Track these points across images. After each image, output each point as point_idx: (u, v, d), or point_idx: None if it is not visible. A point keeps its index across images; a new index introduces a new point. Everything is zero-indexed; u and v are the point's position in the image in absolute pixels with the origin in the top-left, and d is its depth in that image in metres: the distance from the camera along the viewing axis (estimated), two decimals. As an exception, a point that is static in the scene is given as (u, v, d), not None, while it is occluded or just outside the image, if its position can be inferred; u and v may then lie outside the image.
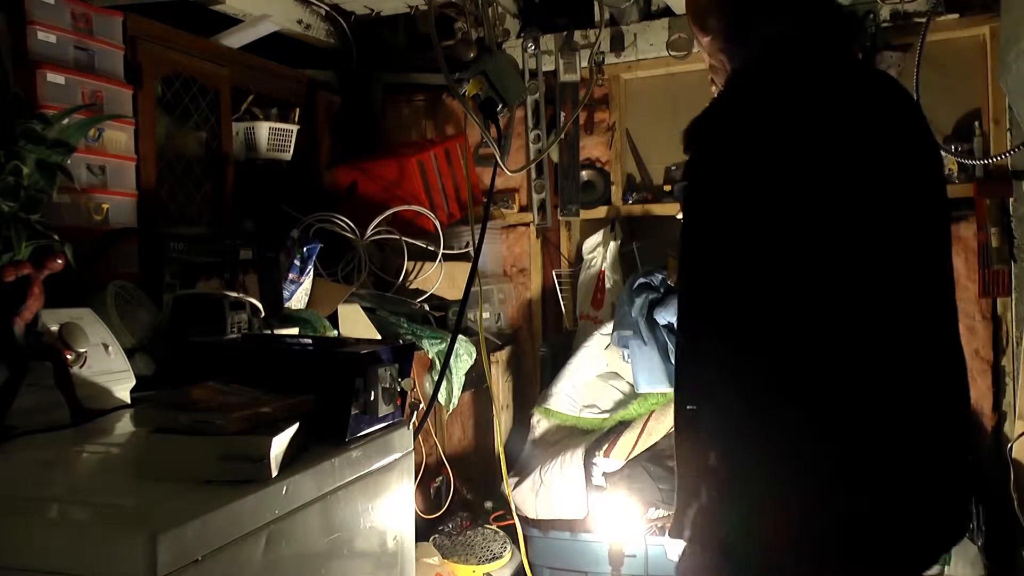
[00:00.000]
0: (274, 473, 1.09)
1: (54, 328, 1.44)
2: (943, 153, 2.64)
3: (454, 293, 2.82)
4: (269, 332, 1.87)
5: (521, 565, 2.74)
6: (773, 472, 1.08)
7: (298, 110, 2.90)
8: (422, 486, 2.65)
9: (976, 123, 2.66)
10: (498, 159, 2.32)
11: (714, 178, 1.09)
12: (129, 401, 1.53)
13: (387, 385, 1.36)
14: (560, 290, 3.20)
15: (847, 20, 1.27)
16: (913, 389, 1.12)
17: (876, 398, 1.09)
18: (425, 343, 2.43)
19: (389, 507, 1.42)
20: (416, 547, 1.67)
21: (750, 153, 1.07)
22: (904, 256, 1.12)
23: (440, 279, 2.79)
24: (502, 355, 3.07)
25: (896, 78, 1.31)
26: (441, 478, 2.74)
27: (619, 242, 3.11)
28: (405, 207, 2.81)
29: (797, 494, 1.08)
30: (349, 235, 2.71)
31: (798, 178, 1.06)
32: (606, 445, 2.72)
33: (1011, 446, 2.48)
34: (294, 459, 1.15)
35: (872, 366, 1.08)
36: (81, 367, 1.45)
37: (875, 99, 1.16)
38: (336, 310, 2.36)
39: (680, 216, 1.17)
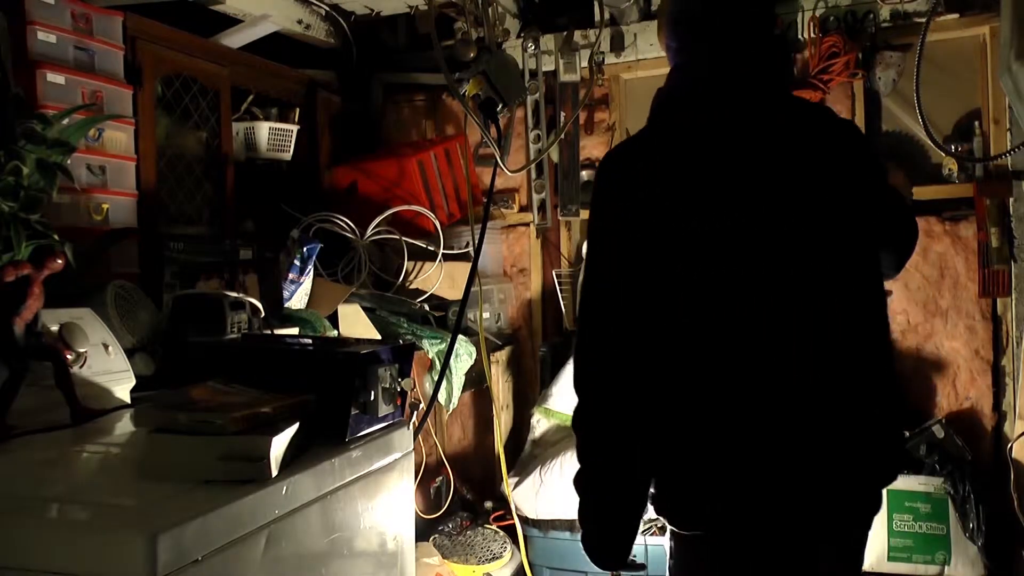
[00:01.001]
0: (274, 473, 1.09)
1: (54, 328, 1.44)
2: (943, 153, 2.65)
3: (454, 293, 2.82)
4: (269, 332, 1.87)
5: (521, 565, 2.74)
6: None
7: (298, 110, 2.90)
8: (422, 486, 2.65)
9: (976, 123, 2.66)
10: (498, 159, 2.32)
11: (596, 214, 1.32)
12: (129, 401, 1.53)
13: (387, 385, 1.36)
14: (560, 290, 3.20)
15: (765, 54, 1.32)
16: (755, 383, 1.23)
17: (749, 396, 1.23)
18: (425, 343, 2.43)
19: (389, 507, 1.42)
20: (416, 547, 1.67)
21: (621, 199, 1.27)
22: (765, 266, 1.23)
23: (440, 279, 2.78)
24: (502, 355, 3.07)
25: (825, 107, 1.46)
26: (441, 478, 2.74)
27: (619, 242, 3.11)
28: (405, 207, 2.81)
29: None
30: (349, 235, 2.71)
31: (664, 221, 1.23)
32: (606, 445, 2.71)
33: (1011, 446, 2.48)
34: (294, 459, 1.15)
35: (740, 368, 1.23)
36: (81, 367, 1.45)
37: (765, 137, 1.27)
38: (336, 310, 2.36)
39: None
